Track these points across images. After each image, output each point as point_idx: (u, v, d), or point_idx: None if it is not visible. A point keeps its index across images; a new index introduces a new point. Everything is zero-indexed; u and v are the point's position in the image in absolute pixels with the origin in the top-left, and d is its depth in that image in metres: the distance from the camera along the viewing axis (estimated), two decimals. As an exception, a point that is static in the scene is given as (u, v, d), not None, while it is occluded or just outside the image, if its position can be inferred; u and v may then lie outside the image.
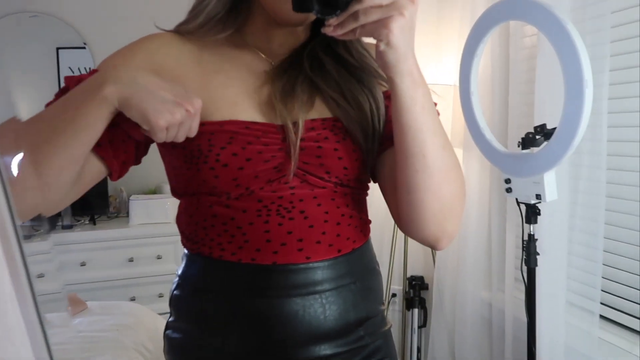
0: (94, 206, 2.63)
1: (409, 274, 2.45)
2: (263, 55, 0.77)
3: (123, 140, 0.71)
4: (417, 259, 2.49)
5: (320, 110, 0.75)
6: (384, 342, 0.79)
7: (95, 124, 0.62)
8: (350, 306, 0.74)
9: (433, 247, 0.74)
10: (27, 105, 2.76)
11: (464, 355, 2.05)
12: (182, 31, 0.76)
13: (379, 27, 0.60)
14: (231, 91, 0.73)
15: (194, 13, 0.76)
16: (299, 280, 0.70)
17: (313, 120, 0.73)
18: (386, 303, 2.33)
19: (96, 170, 0.70)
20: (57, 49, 2.80)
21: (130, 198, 2.60)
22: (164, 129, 0.63)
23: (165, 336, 0.79)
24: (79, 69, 2.83)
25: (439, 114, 0.78)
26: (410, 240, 2.39)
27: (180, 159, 0.72)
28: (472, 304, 2.02)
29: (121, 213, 2.78)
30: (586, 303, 1.51)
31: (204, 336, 0.73)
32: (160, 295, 2.55)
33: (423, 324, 2.41)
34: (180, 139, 0.66)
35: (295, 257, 0.70)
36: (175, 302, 0.78)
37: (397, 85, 0.64)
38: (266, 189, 0.70)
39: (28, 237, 2.38)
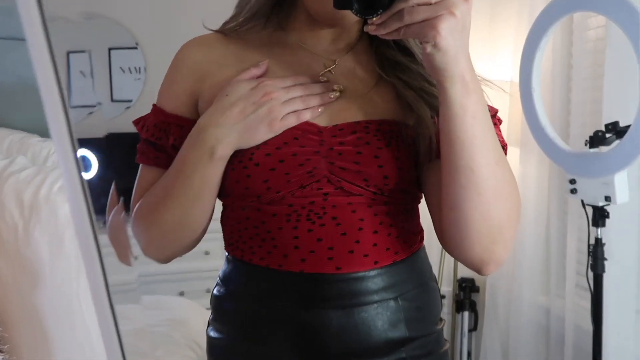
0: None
1: (459, 276, 2.38)
2: (313, 53, 0.73)
3: None
4: (468, 261, 2.41)
5: (372, 111, 0.70)
6: None
7: (220, 175, 0.69)
8: (387, 324, 0.68)
9: (478, 272, 0.67)
10: (79, 108, 2.84)
11: (519, 362, 1.97)
12: (226, 31, 0.75)
13: (425, 28, 0.54)
14: None
15: (237, 10, 0.74)
16: (327, 292, 0.66)
17: (357, 122, 0.68)
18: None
19: None
20: (109, 49, 2.87)
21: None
22: (285, 121, 0.66)
23: (207, 334, 0.78)
24: (129, 69, 2.89)
25: (500, 121, 0.72)
26: (460, 241, 2.31)
27: None
28: (528, 309, 1.93)
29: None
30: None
31: (240, 340, 0.72)
32: (208, 291, 2.57)
33: (474, 327, 2.34)
34: (291, 119, 0.67)
35: (324, 266, 0.66)
36: (214, 301, 0.77)
37: (445, 91, 0.59)
38: (297, 194, 0.67)
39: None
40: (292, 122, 0.66)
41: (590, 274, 1.41)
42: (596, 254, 1.37)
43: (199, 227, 0.72)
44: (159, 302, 1.83)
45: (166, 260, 0.77)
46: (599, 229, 1.37)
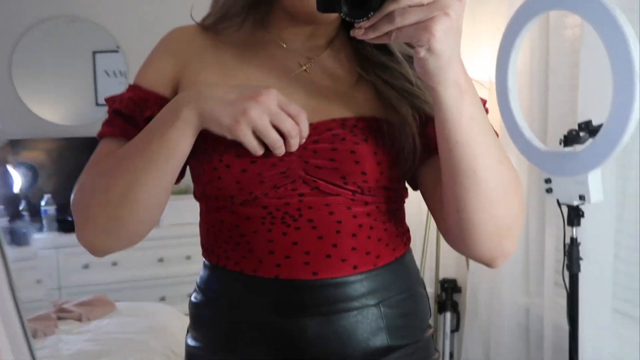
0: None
1: (441, 277, 2.38)
2: (289, 50, 0.70)
3: None
4: (450, 261, 2.41)
5: (351, 109, 0.67)
6: None
7: (183, 148, 0.62)
8: (368, 333, 0.65)
9: (488, 266, 0.65)
10: (65, 109, 2.80)
11: (500, 363, 1.97)
12: (206, 26, 0.72)
13: (419, 31, 0.51)
14: (250, 82, 0.68)
15: (210, 10, 0.72)
16: (304, 299, 0.63)
17: (333, 120, 0.65)
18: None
19: None
20: (94, 52, 2.84)
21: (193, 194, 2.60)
22: (251, 136, 0.59)
23: (185, 342, 0.76)
24: (114, 72, 2.86)
25: (487, 111, 0.70)
26: (442, 241, 2.31)
27: (192, 156, 0.67)
28: (509, 309, 1.93)
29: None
30: (635, 311, 1.41)
31: (216, 350, 0.69)
32: (190, 296, 2.55)
33: (455, 328, 2.34)
34: (291, 131, 0.60)
35: (300, 271, 0.63)
36: (191, 309, 0.74)
37: (439, 96, 0.55)
38: (271, 194, 0.64)
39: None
40: (252, 143, 0.59)
41: (567, 274, 1.41)
42: (571, 254, 1.37)
43: (146, 206, 0.63)
44: (137, 308, 1.80)
45: (101, 249, 0.66)
46: (574, 229, 1.37)
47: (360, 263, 0.65)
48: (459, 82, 0.55)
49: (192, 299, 0.73)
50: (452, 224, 0.63)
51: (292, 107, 0.60)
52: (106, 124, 0.70)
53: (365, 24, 0.53)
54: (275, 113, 0.59)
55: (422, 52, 0.52)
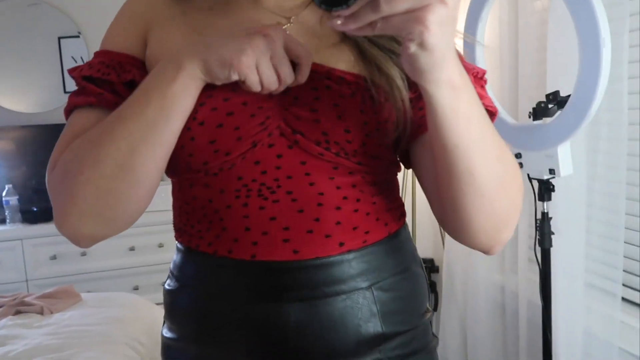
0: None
1: (418, 257, 2.36)
2: (267, 10, 0.63)
3: None
4: (427, 241, 2.39)
5: (334, 63, 0.60)
6: None
7: (186, 107, 0.55)
8: (359, 319, 0.58)
9: (485, 253, 0.62)
10: (31, 97, 2.69)
11: (477, 341, 1.96)
12: None
13: (409, 22, 0.43)
14: (219, 34, 0.60)
15: None
16: (284, 281, 0.57)
17: (321, 65, 0.59)
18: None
19: None
20: (59, 38, 2.72)
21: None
22: (254, 70, 0.53)
23: (161, 334, 0.70)
24: (81, 58, 2.75)
25: (486, 82, 0.65)
26: (418, 221, 2.29)
27: None
28: (484, 288, 1.92)
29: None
30: (607, 285, 1.40)
31: (192, 342, 0.63)
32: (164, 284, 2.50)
33: (434, 307, 2.33)
34: (286, 78, 0.55)
35: (279, 250, 0.57)
36: (165, 297, 0.68)
37: (431, 97, 0.49)
38: (248, 158, 0.58)
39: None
40: (253, 78, 0.53)
41: (539, 249, 1.39)
42: (543, 229, 1.35)
43: (146, 177, 0.55)
44: (104, 299, 1.74)
45: (88, 235, 0.58)
46: (545, 203, 1.35)
47: (347, 239, 0.59)
48: (454, 79, 0.48)
49: (166, 286, 0.67)
50: (448, 218, 0.58)
51: (300, 48, 0.55)
52: (76, 93, 0.62)
53: (344, 12, 0.45)
54: (278, 53, 0.53)
55: (413, 48, 0.44)
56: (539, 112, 1.27)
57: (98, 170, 0.54)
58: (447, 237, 2.13)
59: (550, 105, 1.25)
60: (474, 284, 1.94)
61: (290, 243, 0.57)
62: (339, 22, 0.46)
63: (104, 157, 0.54)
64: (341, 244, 0.58)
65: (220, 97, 0.57)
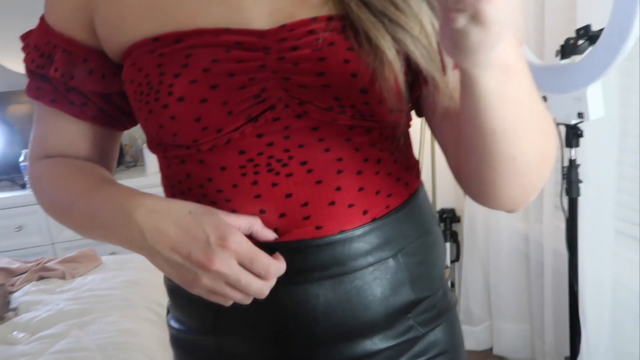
0: (109, 157, 2.56)
1: (438, 207, 2.30)
2: None
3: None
4: (447, 191, 2.33)
5: (328, 9, 0.51)
6: (446, 329, 0.60)
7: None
8: (389, 290, 0.54)
9: (507, 212, 0.56)
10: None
11: (500, 291, 1.93)
12: None
13: None
14: None
15: None
16: (309, 262, 0.52)
17: (313, 19, 0.50)
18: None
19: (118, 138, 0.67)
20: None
21: (144, 146, 2.51)
22: (208, 294, 0.50)
23: (167, 324, 0.65)
24: None
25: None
26: (438, 171, 2.21)
27: (132, 98, 0.54)
28: (507, 237, 1.86)
29: (139, 162, 2.71)
30: (638, 231, 1.32)
31: (205, 333, 0.59)
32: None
33: (456, 258, 2.29)
34: (251, 290, 0.49)
35: (300, 229, 0.52)
36: (168, 285, 0.62)
37: (476, 81, 0.41)
38: (247, 132, 0.50)
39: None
40: (217, 300, 0.50)
41: (566, 198, 1.31)
42: (570, 177, 1.27)
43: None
44: (122, 261, 1.75)
45: None
46: (572, 150, 1.26)
47: (371, 205, 0.53)
48: (508, 61, 0.40)
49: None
50: (473, 187, 0.52)
51: (259, 264, 0.48)
52: (28, 84, 0.61)
53: None
54: (233, 280, 0.47)
55: (462, 21, 0.35)
56: (567, 49, 1.16)
57: (64, 223, 0.59)
58: (469, 186, 2.06)
59: (580, 42, 1.13)
60: (497, 233, 1.89)
61: (311, 219, 0.52)
62: None
63: (66, 222, 0.58)
64: (365, 212, 0.53)
65: (199, 66, 0.49)
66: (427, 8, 0.49)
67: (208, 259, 0.46)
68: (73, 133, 0.61)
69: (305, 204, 0.52)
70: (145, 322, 1.33)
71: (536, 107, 0.46)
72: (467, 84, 0.42)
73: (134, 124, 0.64)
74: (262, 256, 0.48)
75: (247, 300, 0.50)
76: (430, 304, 0.59)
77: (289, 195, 0.51)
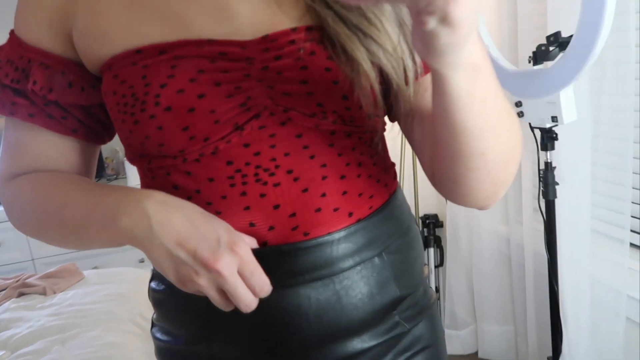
0: (90, 171, 2.53)
1: (421, 213, 2.32)
2: None
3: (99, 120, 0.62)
4: (430, 197, 2.35)
5: (308, 19, 0.53)
6: (428, 324, 0.62)
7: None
8: (376, 287, 0.56)
9: (478, 209, 0.59)
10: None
11: (484, 294, 1.95)
12: None
13: None
14: (172, 6, 0.53)
15: None
16: (299, 264, 0.53)
17: (293, 29, 0.52)
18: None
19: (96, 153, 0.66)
20: None
21: (126, 158, 2.49)
22: (196, 292, 0.49)
23: (152, 335, 0.65)
24: None
25: None
26: (419, 177, 2.24)
27: (114, 110, 0.54)
28: (489, 240, 1.89)
29: (121, 174, 2.69)
30: (614, 231, 1.35)
31: (193, 344, 0.58)
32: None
33: (440, 263, 2.31)
34: (241, 300, 0.48)
35: (289, 237, 0.53)
36: (153, 297, 0.62)
37: (447, 81, 0.43)
38: (234, 141, 0.51)
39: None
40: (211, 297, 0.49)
41: (543, 201, 1.34)
42: (546, 180, 1.30)
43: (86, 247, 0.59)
44: (105, 275, 1.73)
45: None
46: (548, 153, 1.29)
47: (355, 207, 0.55)
48: (475, 60, 0.42)
49: (154, 285, 0.61)
50: (445, 186, 0.55)
51: (258, 279, 0.48)
52: (0, 100, 0.59)
53: None
54: (231, 286, 0.47)
55: (432, 23, 0.36)
56: (539, 55, 1.19)
57: (40, 238, 0.59)
58: (450, 191, 2.08)
59: (551, 48, 1.17)
60: (479, 237, 1.91)
61: (300, 228, 0.53)
62: None
63: (51, 229, 0.57)
64: (350, 214, 0.55)
65: (185, 77, 0.50)
66: (396, 25, 0.52)
67: (214, 258, 0.46)
68: (53, 147, 0.60)
69: (293, 214, 0.53)
70: (129, 335, 1.32)
71: (502, 105, 0.49)
72: (438, 83, 0.44)
73: (112, 137, 0.64)
74: (262, 272, 0.48)
75: (228, 309, 0.50)
76: (413, 300, 0.60)
77: (277, 207, 0.53)
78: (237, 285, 0.47)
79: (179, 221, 0.47)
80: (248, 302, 0.48)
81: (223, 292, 0.48)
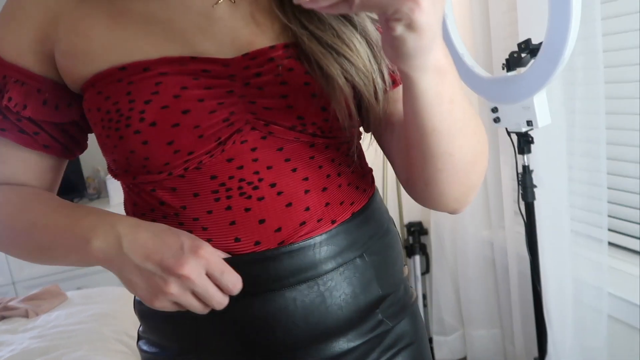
0: (71, 190, 2.51)
1: (406, 221, 2.34)
2: None
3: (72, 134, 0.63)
4: (414, 204, 2.37)
5: (285, 37, 0.56)
6: (410, 321, 0.64)
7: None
8: (359, 287, 0.58)
9: (450, 213, 0.62)
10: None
11: (470, 298, 1.97)
12: None
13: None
14: (155, 25, 0.54)
15: None
16: (282, 268, 0.54)
17: (271, 47, 0.54)
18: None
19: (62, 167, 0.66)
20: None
21: (107, 177, 2.47)
22: (170, 306, 0.51)
23: (139, 348, 0.65)
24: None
25: None
26: (403, 185, 2.26)
27: (98, 126, 0.55)
28: (474, 245, 1.91)
29: (102, 194, 2.66)
30: (593, 231, 1.39)
31: (180, 354, 0.59)
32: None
33: (426, 270, 2.33)
34: (215, 303, 0.52)
35: (273, 247, 0.55)
36: (139, 309, 0.63)
37: (415, 84, 0.46)
38: (217, 155, 0.53)
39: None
40: (180, 308, 0.52)
41: (522, 203, 1.37)
42: (525, 183, 1.33)
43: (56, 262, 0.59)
44: (89, 295, 1.70)
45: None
46: (525, 156, 1.32)
47: (337, 215, 0.58)
48: (441, 63, 0.45)
49: (138, 298, 0.62)
50: (417, 190, 0.57)
51: (229, 277, 0.51)
52: None
53: None
54: (201, 289, 0.49)
55: (399, 29, 0.39)
56: (512, 62, 1.23)
57: (7, 252, 0.60)
58: (433, 198, 2.11)
59: (523, 55, 1.20)
60: (463, 242, 1.94)
61: (285, 243, 0.55)
62: None
63: (9, 251, 0.59)
64: (333, 222, 0.57)
65: (169, 93, 0.51)
66: (366, 45, 0.55)
67: (179, 263, 0.48)
68: (23, 162, 0.61)
69: (279, 229, 0.54)
70: (115, 354, 1.30)
71: (468, 109, 0.52)
72: (408, 87, 0.47)
73: (82, 151, 0.66)
74: (231, 270, 0.51)
75: (205, 312, 0.52)
76: (394, 298, 0.62)
77: (262, 222, 0.54)
78: (207, 286, 0.49)
79: (146, 237, 0.50)
80: (219, 301, 0.51)
81: (197, 296, 0.50)
